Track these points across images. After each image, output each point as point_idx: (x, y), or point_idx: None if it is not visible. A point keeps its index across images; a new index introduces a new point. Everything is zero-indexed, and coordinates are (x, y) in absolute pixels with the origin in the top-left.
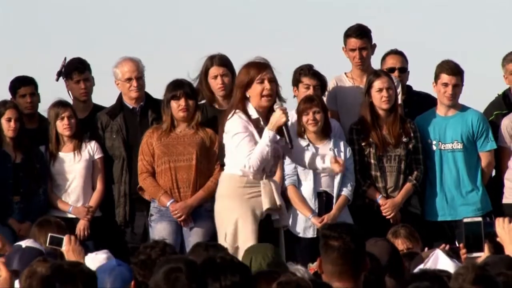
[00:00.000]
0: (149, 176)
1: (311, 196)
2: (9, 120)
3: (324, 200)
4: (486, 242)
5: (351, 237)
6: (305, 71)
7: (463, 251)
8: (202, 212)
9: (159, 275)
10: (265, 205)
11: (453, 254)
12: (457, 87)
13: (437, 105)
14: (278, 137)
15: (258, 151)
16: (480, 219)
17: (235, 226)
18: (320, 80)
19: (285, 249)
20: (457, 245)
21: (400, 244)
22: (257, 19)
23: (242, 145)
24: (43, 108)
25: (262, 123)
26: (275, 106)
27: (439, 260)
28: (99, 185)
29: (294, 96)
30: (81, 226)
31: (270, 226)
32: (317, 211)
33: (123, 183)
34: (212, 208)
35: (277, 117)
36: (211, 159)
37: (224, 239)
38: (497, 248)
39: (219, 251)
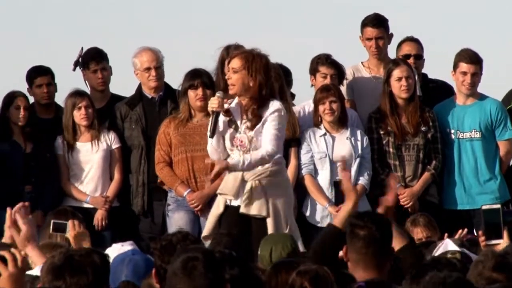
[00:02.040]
0: (166, 166)
1: (327, 185)
2: (18, 108)
3: (341, 189)
4: (505, 230)
5: (376, 226)
6: (322, 60)
7: (482, 238)
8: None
9: (177, 264)
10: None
11: (468, 243)
12: (476, 76)
13: (456, 94)
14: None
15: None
16: (499, 206)
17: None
18: (337, 69)
19: (305, 238)
20: (475, 234)
21: (420, 233)
22: (273, 9)
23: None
24: (60, 98)
25: None
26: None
27: (448, 249)
28: (116, 175)
29: (312, 85)
30: (99, 216)
31: None
32: (333, 200)
33: (141, 172)
34: None
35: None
36: None
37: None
38: None
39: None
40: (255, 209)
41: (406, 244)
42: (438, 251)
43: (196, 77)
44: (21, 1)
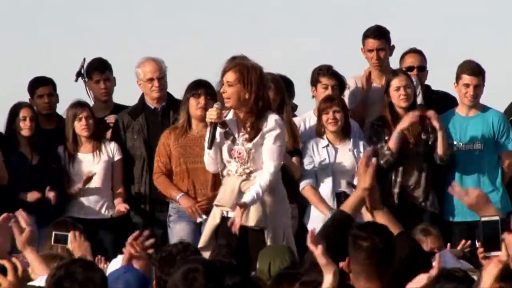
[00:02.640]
0: (162, 175)
1: (330, 196)
2: (24, 119)
3: (343, 200)
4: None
5: (380, 237)
6: (323, 71)
7: (480, 250)
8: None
9: (177, 275)
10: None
11: (469, 254)
12: (478, 88)
13: (458, 105)
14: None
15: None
16: (497, 218)
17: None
18: (338, 80)
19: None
20: (477, 245)
21: (432, 243)
22: (275, 18)
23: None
24: (61, 109)
25: None
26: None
27: (445, 260)
28: (121, 189)
29: (313, 96)
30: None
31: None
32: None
33: (143, 183)
34: None
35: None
36: None
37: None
38: None
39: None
40: (253, 220)
41: (399, 232)
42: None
43: (199, 86)
44: (23, 12)
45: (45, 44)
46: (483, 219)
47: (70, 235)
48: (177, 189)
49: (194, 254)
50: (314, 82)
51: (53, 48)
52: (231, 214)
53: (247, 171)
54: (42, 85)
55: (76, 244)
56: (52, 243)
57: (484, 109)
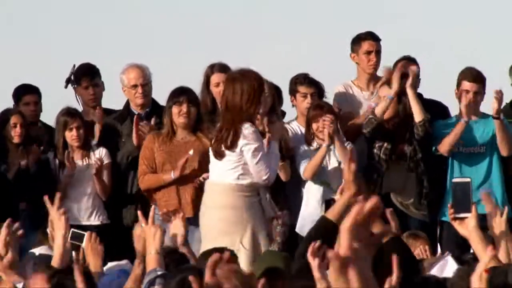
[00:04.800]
0: (146, 174)
1: (320, 201)
2: (14, 126)
3: None
4: (474, 205)
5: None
6: (300, 80)
7: (451, 211)
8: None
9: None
10: (269, 213)
11: (472, 260)
12: (479, 95)
13: (460, 112)
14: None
15: (274, 164)
16: (469, 179)
17: (252, 238)
18: (317, 88)
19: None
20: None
21: (420, 247)
22: (256, 23)
23: (262, 159)
24: (45, 117)
25: None
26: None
27: (448, 266)
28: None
29: (293, 105)
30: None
31: None
32: None
33: (133, 185)
34: None
35: (280, 129)
36: None
37: (241, 247)
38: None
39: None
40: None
41: (392, 237)
42: (436, 268)
43: (182, 93)
44: (10, 17)
45: (30, 49)
46: (454, 180)
47: (87, 235)
48: (165, 171)
49: (179, 259)
50: (293, 91)
51: (39, 53)
52: None
53: None
54: (28, 93)
55: (90, 245)
56: (69, 240)
57: (484, 116)
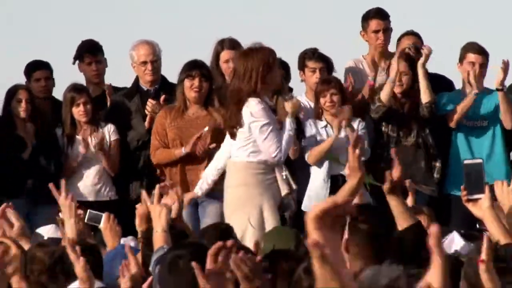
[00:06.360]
0: (158, 148)
1: (325, 177)
2: (20, 101)
3: (340, 184)
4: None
5: (378, 219)
6: (309, 55)
7: (464, 193)
8: (216, 193)
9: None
10: (283, 190)
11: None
12: (483, 67)
13: (462, 86)
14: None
15: (286, 141)
16: (480, 160)
17: (260, 213)
18: (326, 63)
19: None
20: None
21: (423, 221)
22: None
23: (271, 136)
24: (58, 93)
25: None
26: (289, 95)
27: (454, 242)
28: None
29: (302, 80)
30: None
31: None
32: (328, 193)
33: (141, 161)
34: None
35: (296, 105)
36: (223, 140)
37: (249, 225)
38: None
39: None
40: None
41: (411, 224)
42: (445, 244)
43: (194, 67)
44: None
45: (41, 27)
46: (466, 161)
47: (105, 216)
48: (176, 147)
49: (179, 233)
50: (301, 66)
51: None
52: None
53: None
54: (39, 69)
55: (108, 226)
56: (86, 221)
57: (488, 90)
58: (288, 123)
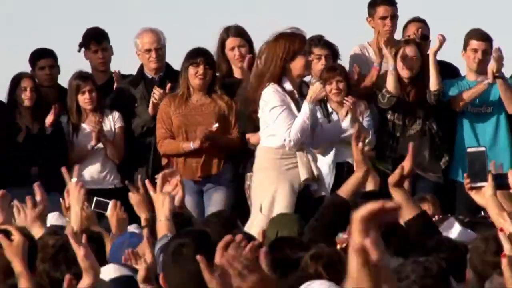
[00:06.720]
0: (165, 139)
1: (330, 165)
2: (24, 89)
3: (345, 171)
4: (490, 174)
5: None
6: (315, 42)
7: (467, 181)
8: (222, 182)
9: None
10: (303, 176)
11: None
12: (486, 53)
13: (467, 73)
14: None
15: (298, 125)
16: (483, 149)
17: (272, 198)
18: (331, 50)
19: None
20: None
21: (427, 209)
22: None
23: (281, 119)
24: (63, 81)
25: (296, 95)
26: (313, 80)
27: (453, 228)
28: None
29: None
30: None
31: (311, 196)
32: (332, 182)
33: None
34: (233, 178)
35: (316, 91)
36: (227, 127)
37: (259, 210)
38: None
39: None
40: None
41: (416, 214)
42: (441, 230)
43: (199, 55)
44: None
45: (45, 14)
46: (469, 150)
47: (111, 203)
48: (185, 141)
49: (184, 221)
50: (307, 53)
51: (54, 18)
52: None
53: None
54: (43, 57)
55: (115, 213)
56: (92, 208)
57: None
58: (304, 107)
